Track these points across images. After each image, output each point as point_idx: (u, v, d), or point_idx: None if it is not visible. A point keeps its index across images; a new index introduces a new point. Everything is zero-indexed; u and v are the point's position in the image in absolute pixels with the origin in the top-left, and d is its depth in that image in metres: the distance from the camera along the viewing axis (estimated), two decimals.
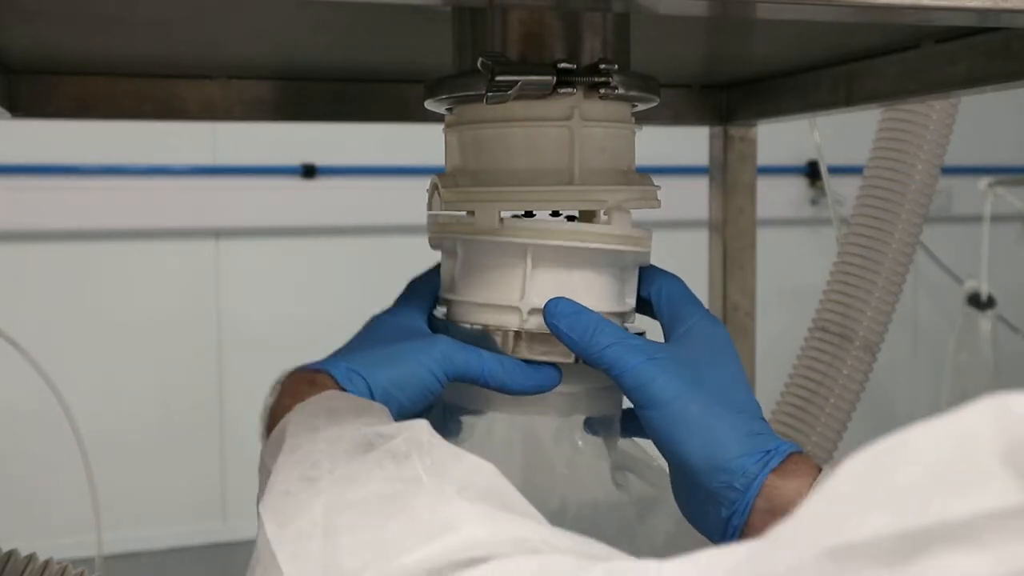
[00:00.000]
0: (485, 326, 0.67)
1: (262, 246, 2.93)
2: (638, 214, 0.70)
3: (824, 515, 0.31)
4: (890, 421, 0.75)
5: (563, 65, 0.65)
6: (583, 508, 0.69)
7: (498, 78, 0.63)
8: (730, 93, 1.17)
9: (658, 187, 0.71)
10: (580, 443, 0.70)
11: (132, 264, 2.82)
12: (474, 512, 0.44)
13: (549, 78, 0.64)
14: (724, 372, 0.65)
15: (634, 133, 0.72)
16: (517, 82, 0.64)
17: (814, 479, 0.60)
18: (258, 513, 0.50)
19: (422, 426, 0.51)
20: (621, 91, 0.67)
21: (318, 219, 2.93)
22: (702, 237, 1.23)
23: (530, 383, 0.66)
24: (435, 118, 0.75)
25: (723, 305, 1.19)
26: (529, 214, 0.68)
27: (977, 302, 2.77)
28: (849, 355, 1.19)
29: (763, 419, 0.64)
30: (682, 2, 0.59)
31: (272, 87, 1.03)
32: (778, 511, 0.59)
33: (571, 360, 0.67)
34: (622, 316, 0.70)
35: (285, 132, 2.70)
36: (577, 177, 0.67)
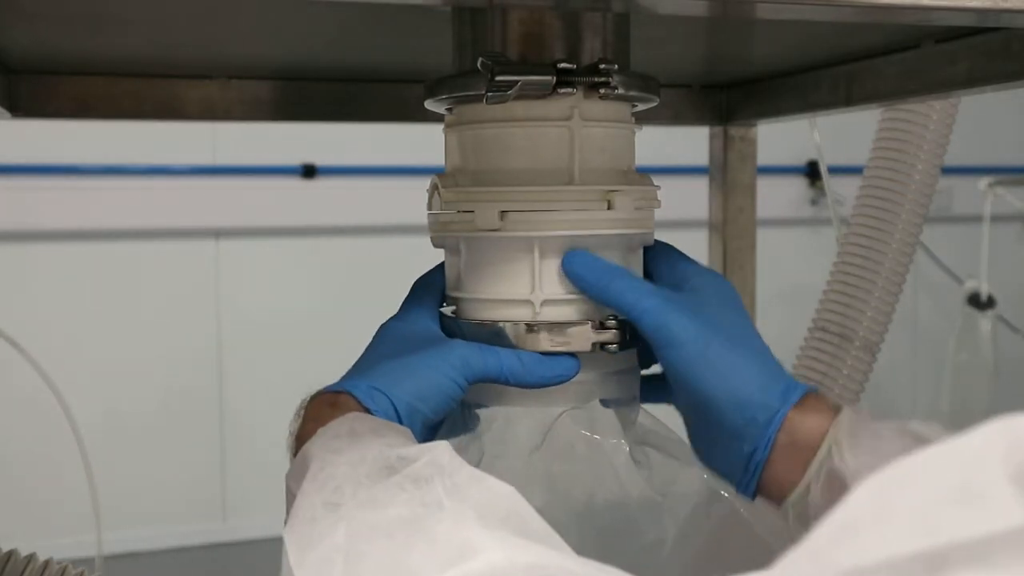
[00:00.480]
0: (498, 321, 0.67)
1: (262, 246, 2.93)
2: None
3: (840, 537, 0.31)
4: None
5: (563, 65, 0.65)
6: (606, 494, 0.70)
7: (498, 78, 0.63)
8: (730, 93, 1.17)
9: (658, 187, 0.71)
10: (599, 429, 0.70)
11: (132, 264, 2.82)
12: (493, 538, 0.44)
13: (549, 78, 0.65)
14: (737, 318, 0.66)
15: (634, 133, 0.72)
16: (517, 82, 0.64)
17: (834, 417, 0.61)
18: (283, 540, 0.50)
19: (443, 448, 0.51)
20: (621, 91, 0.67)
21: (318, 219, 2.93)
22: (702, 237, 1.23)
23: (549, 375, 0.66)
24: (435, 118, 0.75)
25: None
26: None
27: (977, 302, 2.77)
28: (849, 355, 1.19)
29: (777, 361, 0.65)
30: (682, 2, 0.59)
31: (272, 87, 1.04)
32: (799, 445, 0.60)
33: (588, 348, 0.67)
34: None
35: (285, 132, 2.70)
36: (577, 177, 0.67)
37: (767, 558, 0.71)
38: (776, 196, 3.03)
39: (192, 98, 1.02)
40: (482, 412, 0.71)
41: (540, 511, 0.48)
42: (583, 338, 0.67)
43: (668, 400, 0.70)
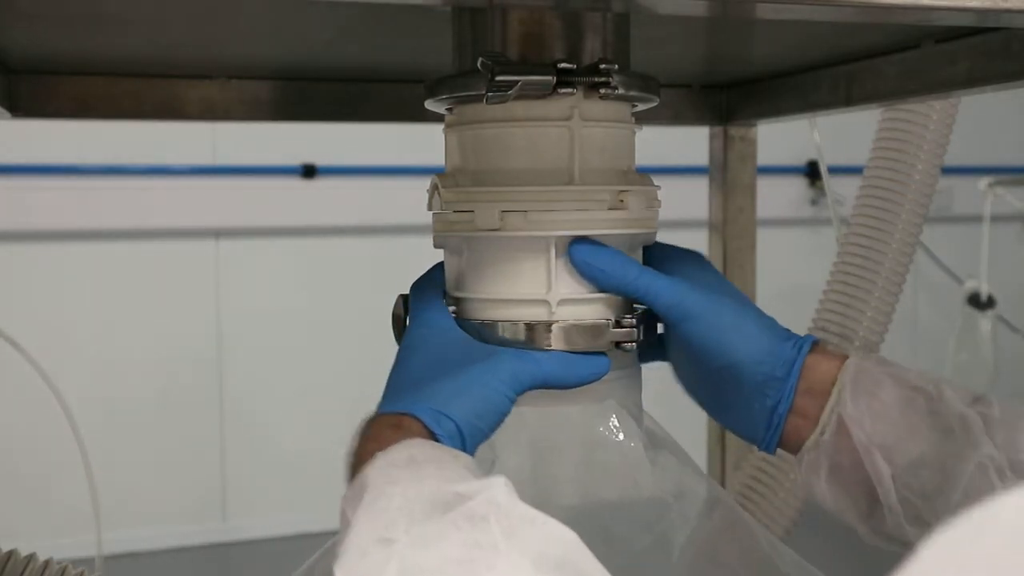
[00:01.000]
0: (517, 321, 0.67)
1: (262, 246, 2.93)
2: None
3: None
4: None
5: (563, 65, 0.65)
6: (621, 494, 0.70)
7: (498, 78, 0.63)
8: (730, 93, 1.17)
9: (658, 187, 0.71)
10: (614, 428, 0.70)
11: (132, 264, 2.82)
12: None
13: (549, 78, 0.64)
14: (729, 286, 0.71)
15: (634, 133, 0.72)
16: (517, 82, 0.64)
17: (843, 361, 0.66)
18: (333, 572, 0.50)
19: (500, 486, 0.50)
20: (621, 91, 0.67)
21: (318, 219, 2.93)
22: (702, 237, 1.23)
23: (588, 374, 0.67)
24: (435, 118, 0.75)
25: None
26: None
27: (977, 302, 2.77)
28: None
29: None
30: (682, 2, 0.59)
31: (272, 87, 1.04)
32: (814, 392, 0.66)
33: (607, 347, 0.67)
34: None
35: (285, 132, 2.70)
36: (577, 177, 0.67)
37: (766, 560, 0.72)
38: (776, 196, 3.03)
39: (192, 98, 1.02)
40: None
41: (553, 511, 0.48)
42: (603, 337, 0.67)
43: (665, 358, 0.73)
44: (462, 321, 0.69)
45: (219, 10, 0.74)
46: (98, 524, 1.44)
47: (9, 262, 2.72)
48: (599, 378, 0.67)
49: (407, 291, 0.72)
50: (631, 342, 0.68)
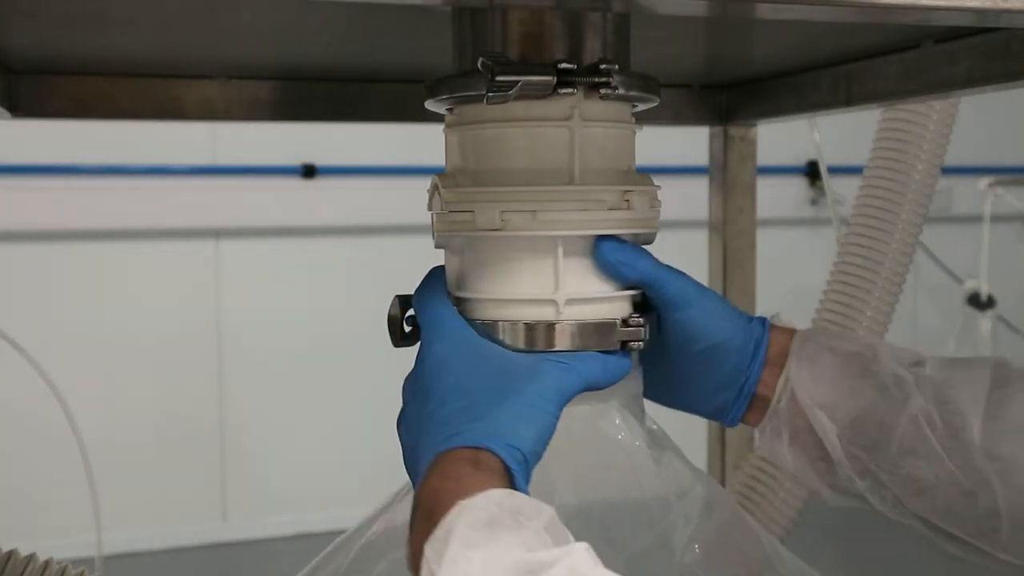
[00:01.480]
0: (520, 321, 0.67)
1: (262, 246, 2.93)
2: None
3: None
4: None
5: (563, 65, 0.65)
6: (627, 493, 0.70)
7: (498, 78, 0.63)
8: (730, 93, 1.17)
9: (658, 187, 0.71)
10: (618, 427, 0.70)
11: (132, 264, 2.82)
12: None
13: (549, 78, 0.64)
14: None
15: (634, 133, 0.72)
16: (517, 82, 0.64)
17: (792, 335, 0.74)
18: None
19: (581, 553, 0.50)
20: (621, 91, 0.67)
21: (318, 219, 2.93)
22: (702, 237, 1.23)
23: (619, 373, 0.69)
24: (435, 118, 0.75)
25: None
26: None
27: (977, 302, 2.77)
28: None
29: None
30: (682, 2, 0.59)
31: (272, 87, 1.04)
32: (773, 361, 0.74)
33: (616, 346, 0.68)
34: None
35: (285, 132, 2.70)
36: (577, 177, 0.67)
37: (766, 561, 0.72)
38: (776, 196, 3.03)
39: (192, 98, 1.02)
40: None
41: (560, 510, 0.48)
42: (612, 335, 0.68)
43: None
44: (469, 321, 0.69)
45: (219, 10, 0.74)
46: (98, 524, 1.44)
47: (9, 262, 2.72)
48: (625, 376, 0.69)
49: (405, 292, 0.72)
50: (639, 341, 0.68)
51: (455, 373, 0.64)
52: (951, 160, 1.27)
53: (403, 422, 0.66)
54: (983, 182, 2.84)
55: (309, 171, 2.90)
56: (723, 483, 1.22)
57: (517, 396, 0.62)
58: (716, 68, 1.09)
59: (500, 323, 0.68)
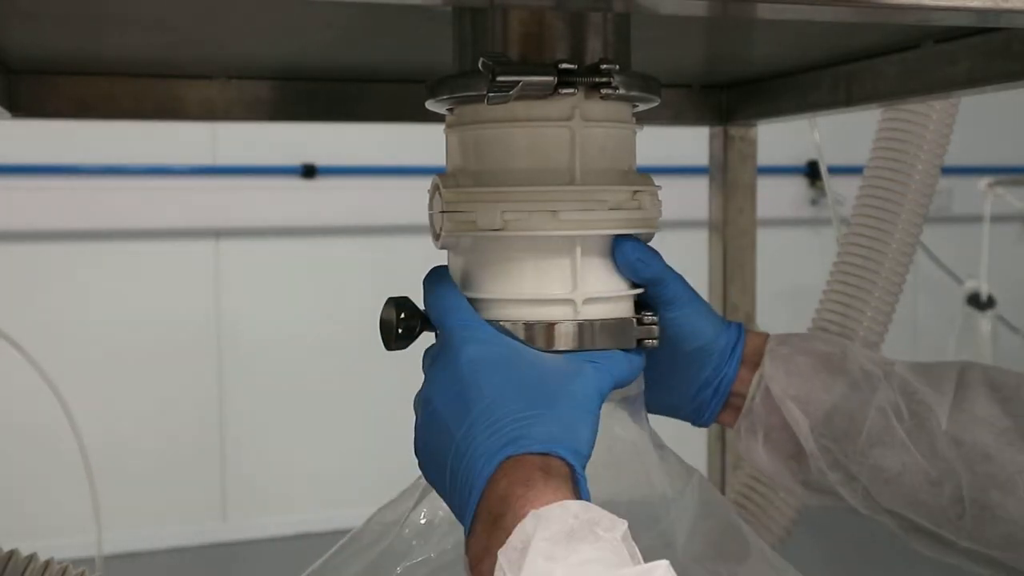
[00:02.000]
0: (543, 321, 0.67)
1: (262, 246, 2.93)
2: None
3: None
4: None
5: (564, 65, 0.65)
6: (635, 492, 0.70)
7: (499, 78, 0.63)
8: (730, 93, 1.17)
9: (658, 187, 0.71)
10: (625, 426, 0.70)
11: (132, 264, 2.82)
12: None
13: (550, 78, 0.64)
14: None
15: (635, 133, 0.72)
16: (518, 82, 0.64)
17: (766, 338, 0.78)
18: None
19: (662, 569, 0.49)
20: (622, 91, 0.67)
21: (318, 219, 2.93)
22: (702, 237, 1.23)
23: (639, 370, 0.70)
24: (436, 118, 0.75)
25: (723, 305, 1.20)
26: None
27: (977, 302, 2.77)
28: None
29: None
30: (682, 2, 0.59)
31: (272, 87, 1.04)
32: (748, 360, 0.77)
33: (633, 345, 0.68)
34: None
35: (285, 132, 2.70)
36: (578, 177, 0.67)
37: (762, 557, 0.72)
38: (776, 196, 3.03)
39: (192, 98, 1.02)
40: None
41: None
42: (629, 334, 0.69)
43: None
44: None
45: (219, 10, 0.74)
46: (98, 524, 1.44)
47: (9, 262, 2.72)
48: (639, 373, 0.70)
49: (405, 292, 0.72)
50: (653, 339, 0.70)
51: (500, 374, 0.63)
52: (951, 160, 1.26)
53: (434, 425, 0.63)
54: (983, 182, 2.85)
55: (309, 171, 2.90)
56: (723, 483, 1.22)
57: (568, 399, 0.62)
58: (716, 68, 1.09)
59: (525, 323, 0.67)
